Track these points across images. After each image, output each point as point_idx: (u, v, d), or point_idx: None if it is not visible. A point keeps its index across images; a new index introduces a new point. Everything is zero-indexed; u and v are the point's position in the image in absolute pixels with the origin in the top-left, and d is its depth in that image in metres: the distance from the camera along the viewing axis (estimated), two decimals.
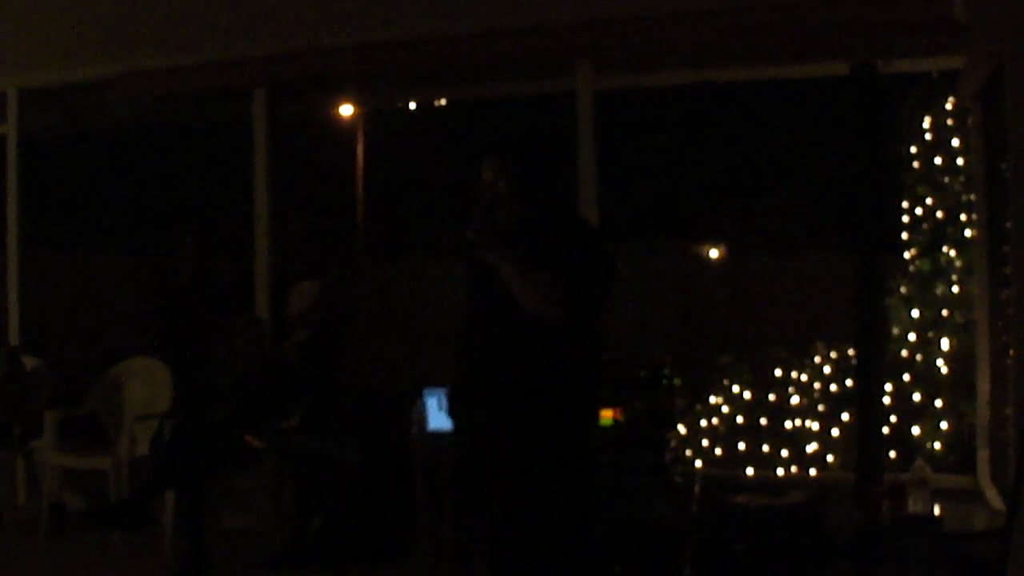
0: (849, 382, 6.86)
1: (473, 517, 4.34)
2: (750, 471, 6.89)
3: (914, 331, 6.76)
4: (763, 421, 7.02)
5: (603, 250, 3.99)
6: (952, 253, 6.73)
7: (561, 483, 3.86)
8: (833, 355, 7.09)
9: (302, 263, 9.19)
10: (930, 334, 6.73)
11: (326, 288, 7.14)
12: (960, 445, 6.50)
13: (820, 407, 6.93)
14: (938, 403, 6.56)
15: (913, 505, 5.01)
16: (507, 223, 3.84)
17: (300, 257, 9.44)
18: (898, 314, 6.84)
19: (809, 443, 6.84)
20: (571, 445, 3.89)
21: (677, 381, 6.12)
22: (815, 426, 6.88)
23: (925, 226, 6.86)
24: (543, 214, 3.92)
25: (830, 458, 6.78)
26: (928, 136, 6.86)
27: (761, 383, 7.15)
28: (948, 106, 6.76)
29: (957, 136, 6.74)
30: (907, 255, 6.93)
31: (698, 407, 7.20)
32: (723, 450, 7.05)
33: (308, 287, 7.06)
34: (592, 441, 4.07)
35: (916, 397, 6.62)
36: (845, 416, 6.78)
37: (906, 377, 6.69)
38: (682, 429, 6.91)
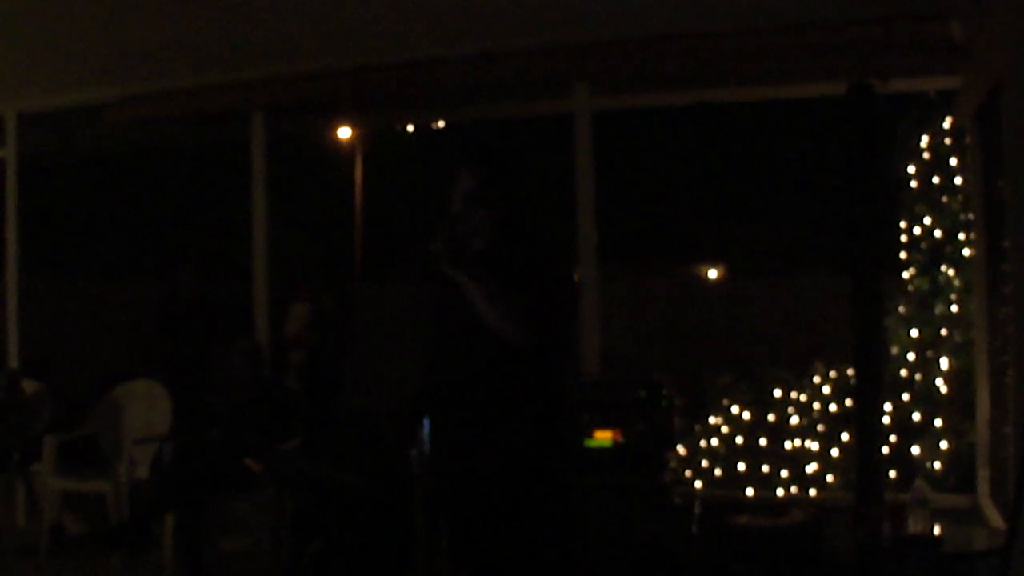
0: (848, 402, 6.85)
1: (449, 534, 4.33)
2: (750, 491, 6.87)
3: (913, 350, 6.76)
4: (763, 441, 7.00)
5: (567, 273, 4.00)
6: (951, 272, 6.73)
7: (536, 505, 3.83)
8: (832, 375, 7.08)
9: (300, 284, 9.20)
10: (929, 353, 6.73)
11: (318, 310, 7.13)
12: (960, 464, 6.48)
13: (820, 427, 6.92)
14: (938, 422, 6.55)
15: (913, 525, 4.99)
16: (474, 238, 3.78)
17: (298, 278, 9.45)
18: (897, 333, 6.84)
19: (809, 463, 6.83)
20: (544, 468, 3.85)
21: (676, 401, 6.10)
22: (815, 446, 6.87)
23: (924, 245, 6.86)
24: (512, 231, 3.88)
25: (830, 478, 6.76)
26: (926, 155, 6.87)
27: (760, 403, 7.14)
28: (946, 125, 6.77)
29: (955, 155, 6.74)
30: (906, 274, 6.94)
31: (698, 428, 7.19)
32: (723, 471, 7.03)
33: (300, 310, 7.06)
34: (567, 464, 4.04)
35: (916, 416, 6.61)
36: (845, 436, 6.76)
37: (905, 396, 6.69)
38: (682, 450, 6.90)
